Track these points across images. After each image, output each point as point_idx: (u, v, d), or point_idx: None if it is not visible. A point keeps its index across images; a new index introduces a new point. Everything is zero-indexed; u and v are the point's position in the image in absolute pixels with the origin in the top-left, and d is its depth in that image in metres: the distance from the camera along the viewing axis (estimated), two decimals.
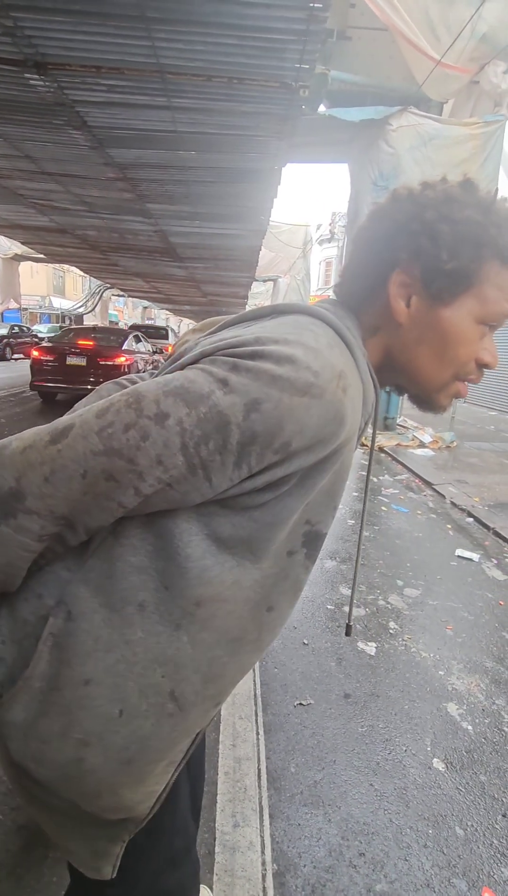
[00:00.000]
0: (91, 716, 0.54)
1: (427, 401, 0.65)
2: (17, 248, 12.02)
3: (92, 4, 2.80)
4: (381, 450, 5.94)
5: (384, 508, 3.97)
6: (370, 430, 0.77)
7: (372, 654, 2.06)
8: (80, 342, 7.44)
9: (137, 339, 8.93)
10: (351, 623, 0.82)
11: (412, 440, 6.40)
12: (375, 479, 4.76)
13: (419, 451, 5.96)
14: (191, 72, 3.45)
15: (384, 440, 6.26)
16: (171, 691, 0.56)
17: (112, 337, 8.16)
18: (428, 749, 1.58)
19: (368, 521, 3.63)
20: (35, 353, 7.39)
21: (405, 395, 0.69)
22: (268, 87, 3.62)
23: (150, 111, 4.03)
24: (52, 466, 0.48)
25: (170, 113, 4.04)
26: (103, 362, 7.09)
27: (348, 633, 0.82)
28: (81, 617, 0.54)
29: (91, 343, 7.45)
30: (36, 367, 7.26)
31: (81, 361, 7.08)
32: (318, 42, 3.16)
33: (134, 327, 13.38)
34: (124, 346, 7.81)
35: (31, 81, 3.61)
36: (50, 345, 7.72)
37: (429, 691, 1.85)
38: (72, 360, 7.09)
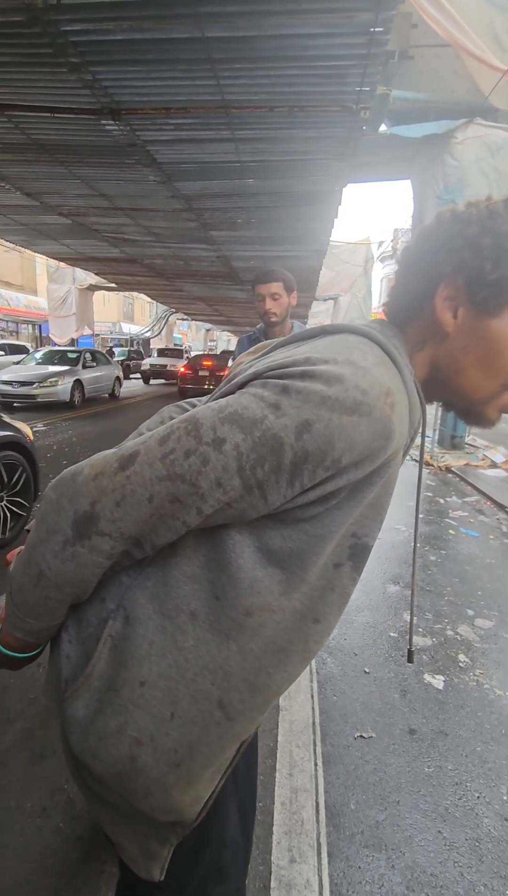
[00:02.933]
0: (145, 715, 0.57)
1: (475, 414, 0.65)
2: (91, 278, 12.90)
3: (162, 52, 3.00)
4: (448, 470, 5.67)
5: (451, 532, 3.76)
6: (419, 445, 0.78)
7: (440, 688, 1.93)
8: (203, 362, 13.17)
9: (232, 359, 11.52)
10: (412, 649, 0.79)
11: (483, 460, 6.05)
12: (441, 501, 4.54)
13: (490, 472, 5.63)
14: (254, 104, 3.59)
15: (451, 460, 5.97)
16: (219, 699, 0.58)
17: (219, 360, 13.67)
18: (505, 798, 1.44)
19: (434, 545, 3.46)
20: (181, 369, 13.27)
21: (453, 411, 0.68)
22: (329, 112, 3.68)
23: (214, 144, 4.23)
24: (123, 492, 0.53)
25: (233, 144, 4.21)
26: (217, 373, 12.22)
27: (410, 660, 0.80)
28: (137, 622, 0.58)
29: (210, 362, 13.09)
30: (182, 376, 12.85)
31: (206, 373, 12.56)
32: (379, 64, 3.19)
33: (224, 353, 18.49)
34: (228, 364, 10.93)
35: (107, 127, 3.91)
36: (187, 364, 13.55)
37: (504, 734, 1.70)
38: (201, 373, 12.64)
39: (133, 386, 16.12)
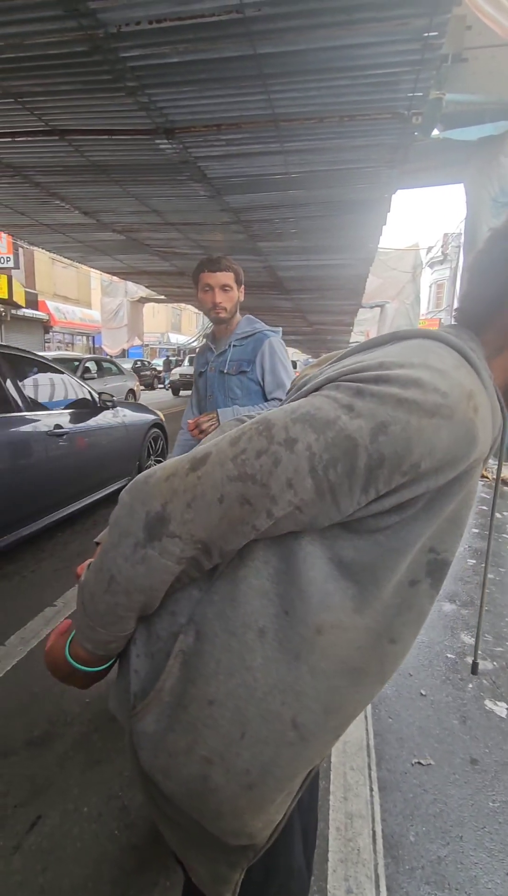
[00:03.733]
0: (215, 735, 0.56)
1: None
2: (142, 291, 13.34)
3: (215, 72, 3.08)
4: (505, 483, 5.41)
5: None
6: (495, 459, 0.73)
7: (503, 716, 1.82)
8: None
9: None
10: (477, 661, 0.75)
11: None
12: (498, 515, 4.33)
13: None
14: (303, 116, 3.61)
15: None
16: (292, 719, 0.56)
17: None
18: None
19: (492, 563, 3.29)
20: None
21: None
22: (380, 120, 3.64)
23: (263, 157, 4.27)
24: (194, 493, 0.52)
25: (282, 157, 4.24)
26: None
27: (474, 672, 0.79)
28: (206, 638, 0.57)
29: None
30: None
31: None
32: (433, 69, 3.13)
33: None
34: None
35: (161, 146, 4.04)
36: None
37: None
38: None
39: (159, 398, 15.33)
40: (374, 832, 1.34)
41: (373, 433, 0.47)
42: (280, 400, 1.89)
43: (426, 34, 2.77)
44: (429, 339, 0.55)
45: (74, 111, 3.58)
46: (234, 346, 2.17)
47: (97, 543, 0.78)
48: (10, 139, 4.01)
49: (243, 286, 2.20)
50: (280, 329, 2.30)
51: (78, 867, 1.25)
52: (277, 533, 0.54)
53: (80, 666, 0.63)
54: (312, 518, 0.52)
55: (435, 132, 5.04)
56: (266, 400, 2.05)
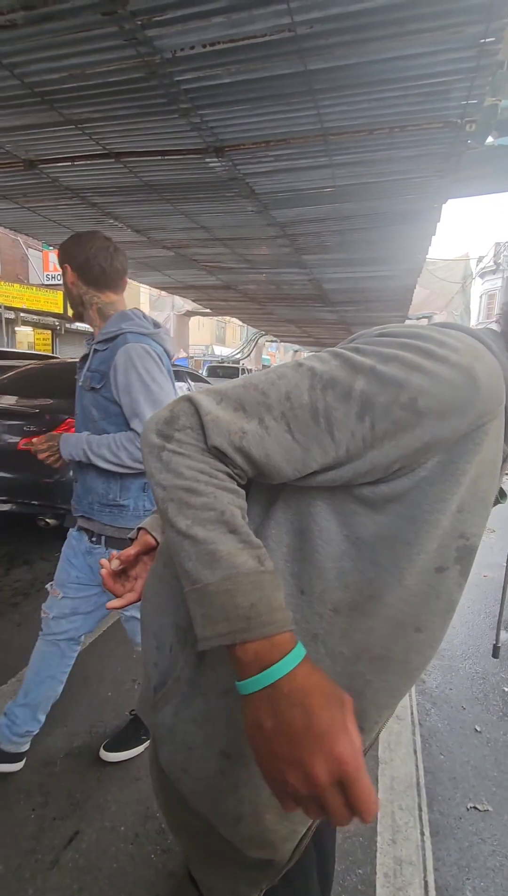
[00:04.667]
0: (232, 729, 0.54)
1: None
2: (188, 305, 13.69)
3: (265, 90, 3.12)
4: None
5: None
6: None
7: None
8: None
9: None
10: (499, 644, 0.72)
11: None
12: None
13: None
14: (353, 129, 3.60)
15: None
16: None
17: None
18: None
19: None
20: None
21: None
22: (430, 129, 3.58)
23: (311, 171, 4.29)
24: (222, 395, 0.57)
25: (330, 170, 4.24)
26: None
27: (495, 655, 0.75)
28: None
29: None
30: None
31: None
32: (488, 75, 3.05)
33: None
34: None
35: (211, 164, 4.13)
36: None
37: None
38: None
39: None
40: (426, 883, 1.24)
41: (373, 364, 0.50)
42: (138, 433, 1.52)
43: (482, 40, 2.70)
44: (446, 328, 0.57)
45: (130, 134, 3.73)
46: (96, 350, 1.74)
47: (140, 529, 0.78)
48: (69, 163, 4.22)
49: (76, 268, 1.81)
50: (162, 330, 1.79)
51: (113, 890, 1.22)
52: (269, 471, 0.52)
53: (277, 670, 0.45)
54: (304, 449, 0.51)
55: (490, 139, 4.89)
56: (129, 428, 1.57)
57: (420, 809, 1.50)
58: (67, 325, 17.59)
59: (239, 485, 0.53)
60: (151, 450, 0.53)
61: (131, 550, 0.76)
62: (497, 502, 0.64)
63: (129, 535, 0.82)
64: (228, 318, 23.17)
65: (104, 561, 0.76)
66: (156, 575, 0.66)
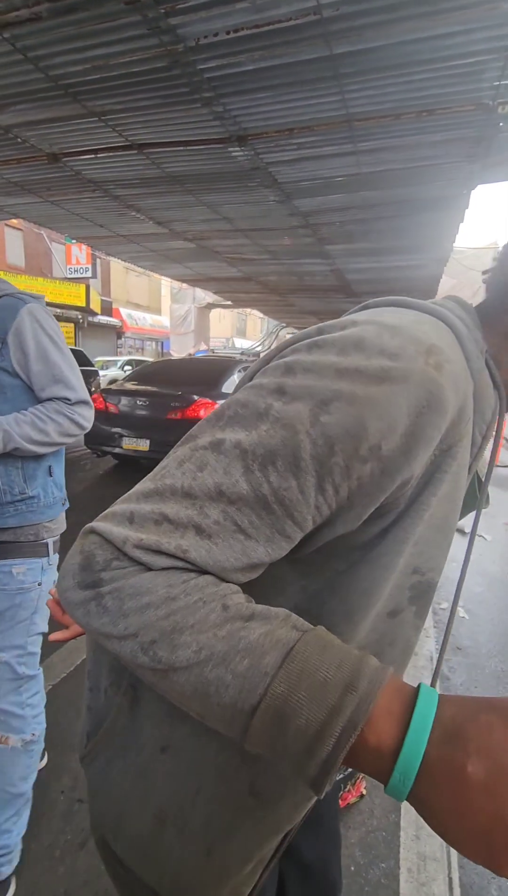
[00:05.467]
0: (168, 788, 0.48)
1: None
2: (209, 297, 13.68)
3: (289, 76, 3.06)
4: None
5: None
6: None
7: None
8: None
9: None
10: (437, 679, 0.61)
11: None
12: None
13: None
14: (379, 115, 3.51)
15: None
16: (250, 784, 0.47)
17: None
18: None
19: None
20: None
21: None
22: (461, 112, 3.46)
23: (335, 159, 4.21)
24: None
25: (355, 157, 4.15)
26: None
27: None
28: None
29: None
30: None
31: None
32: None
33: None
34: None
35: (233, 153, 4.09)
36: None
37: None
38: None
39: None
40: (451, 879, 1.23)
41: (313, 414, 0.37)
42: (67, 400, 1.32)
43: None
44: (394, 306, 0.47)
45: (152, 125, 3.72)
46: None
47: None
48: (92, 155, 4.23)
49: None
50: (43, 296, 1.56)
51: None
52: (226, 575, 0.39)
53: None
54: (267, 542, 0.39)
55: None
56: (40, 400, 1.34)
57: None
58: (90, 319, 17.85)
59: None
60: (85, 606, 0.38)
61: None
62: (471, 504, 0.55)
63: None
64: (248, 310, 23.12)
65: (54, 590, 0.67)
66: None
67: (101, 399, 5.96)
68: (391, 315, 0.42)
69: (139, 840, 0.49)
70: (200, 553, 0.38)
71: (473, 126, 3.66)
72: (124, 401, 5.75)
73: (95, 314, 17.47)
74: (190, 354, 14.85)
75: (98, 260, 17.08)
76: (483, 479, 0.53)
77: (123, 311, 20.15)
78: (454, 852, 1.30)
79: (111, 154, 4.20)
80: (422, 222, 5.78)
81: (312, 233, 6.34)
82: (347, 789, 1.35)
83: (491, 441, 0.48)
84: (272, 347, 0.50)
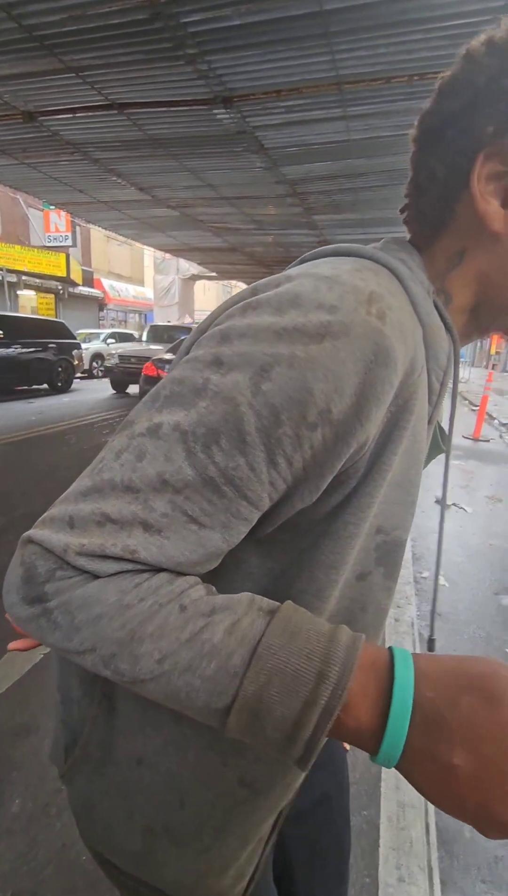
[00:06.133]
0: (150, 803, 0.46)
1: None
2: (194, 268, 13.37)
3: (278, 33, 2.94)
4: None
5: None
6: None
7: None
8: None
9: None
10: (434, 637, 0.60)
11: None
12: None
13: None
14: (369, 77, 3.40)
15: None
16: (239, 778, 0.45)
17: None
18: None
19: None
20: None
21: None
22: None
23: (324, 124, 4.09)
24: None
25: (344, 122, 4.04)
26: None
27: (430, 649, 0.59)
28: None
29: None
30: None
31: None
32: None
33: None
34: None
35: (218, 116, 3.94)
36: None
37: None
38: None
39: None
40: (427, 824, 1.31)
41: (254, 383, 0.34)
42: None
43: None
44: (334, 256, 0.43)
45: (133, 83, 3.55)
46: None
47: None
48: (70, 115, 4.04)
49: None
50: None
51: None
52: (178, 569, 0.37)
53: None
54: (222, 528, 0.36)
55: None
56: None
57: None
58: (71, 290, 17.34)
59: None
60: (35, 622, 0.36)
61: None
62: (438, 451, 0.53)
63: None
64: (234, 282, 22.69)
65: None
66: None
67: (152, 367, 6.88)
68: (328, 265, 0.39)
69: (134, 855, 0.48)
70: (150, 551, 0.35)
71: None
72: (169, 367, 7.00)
73: (75, 285, 16.97)
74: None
75: (78, 228, 16.48)
76: (447, 431, 0.51)
77: (105, 282, 19.61)
78: None
79: (90, 114, 4.02)
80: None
81: (299, 202, 6.20)
82: None
83: (450, 387, 0.45)
84: (207, 315, 0.45)
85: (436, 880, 1.18)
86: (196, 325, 0.45)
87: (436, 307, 0.43)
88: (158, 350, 8.69)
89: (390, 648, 0.35)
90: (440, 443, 0.51)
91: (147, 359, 8.33)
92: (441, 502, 0.52)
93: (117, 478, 0.35)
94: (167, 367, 6.75)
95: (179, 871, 0.48)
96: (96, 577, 0.35)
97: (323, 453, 0.36)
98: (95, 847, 0.51)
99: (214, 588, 0.38)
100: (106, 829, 0.48)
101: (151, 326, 10.87)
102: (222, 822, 0.46)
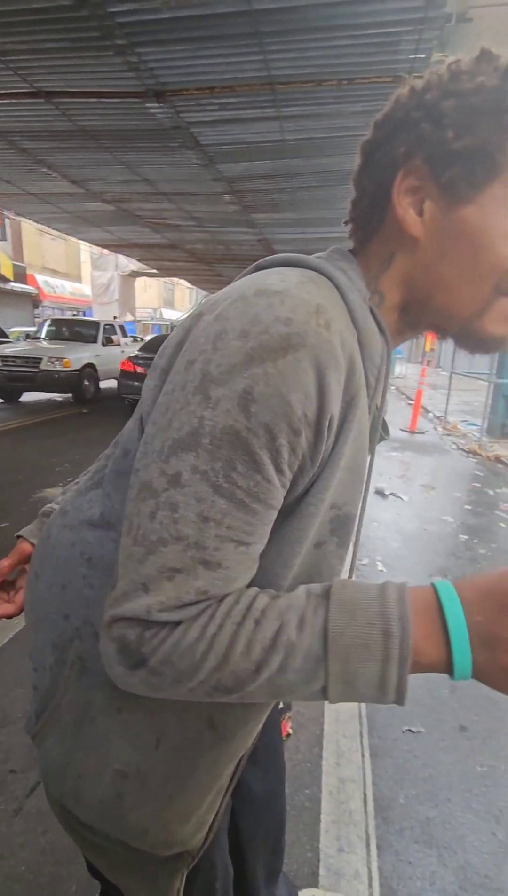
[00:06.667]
0: (127, 745, 0.50)
1: (474, 334, 0.50)
2: (133, 265, 13.07)
3: (209, 29, 2.94)
4: (498, 460, 5.45)
5: (501, 524, 3.63)
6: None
7: None
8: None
9: None
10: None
11: None
12: (490, 492, 4.38)
13: None
14: (301, 79, 3.47)
15: (502, 449, 5.74)
16: (209, 718, 0.51)
17: None
18: None
19: (483, 538, 3.34)
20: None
21: (450, 339, 0.55)
22: (379, 83, 3.51)
23: (258, 123, 4.13)
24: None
25: (278, 123, 4.10)
26: None
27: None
28: None
29: None
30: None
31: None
32: (436, 28, 3.02)
33: None
34: None
35: (151, 110, 3.88)
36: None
37: None
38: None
39: None
40: (365, 795, 1.38)
41: (243, 409, 0.39)
42: None
43: None
44: (283, 265, 0.49)
45: (60, 71, 3.42)
46: None
47: (18, 537, 0.71)
48: None
49: None
50: None
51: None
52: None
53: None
54: (261, 536, 0.42)
55: None
56: None
57: (362, 736, 1.65)
58: (2, 286, 16.42)
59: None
60: (145, 683, 0.42)
61: (6, 561, 0.69)
62: (381, 439, 0.60)
63: (17, 534, 0.72)
64: (175, 279, 22.39)
65: None
66: (29, 586, 0.60)
67: (129, 363, 7.46)
68: (277, 277, 0.44)
69: (101, 804, 0.51)
70: (218, 586, 0.41)
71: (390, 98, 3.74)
72: (147, 362, 7.28)
73: (7, 280, 16.10)
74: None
75: (7, 220, 15.63)
76: (382, 418, 0.58)
77: (39, 278, 18.74)
78: (369, 773, 1.46)
79: (15, 101, 3.83)
80: (343, 195, 5.86)
81: (237, 199, 6.22)
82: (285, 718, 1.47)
83: (384, 381, 0.52)
84: (170, 340, 0.50)
85: (373, 847, 1.24)
86: (169, 336, 0.51)
87: (372, 312, 0.49)
88: (55, 349, 8.05)
89: (433, 585, 0.41)
90: (382, 431, 0.59)
91: (37, 360, 7.63)
92: (366, 481, 0.58)
93: (165, 534, 0.40)
94: (141, 361, 7.39)
95: (144, 816, 0.51)
96: (179, 623, 0.41)
97: (309, 451, 0.42)
98: (61, 801, 0.54)
99: (271, 591, 0.44)
100: (76, 780, 0.52)
101: (52, 320, 9.77)
102: (190, 764, 0.51)
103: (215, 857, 0.64)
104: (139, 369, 7.37)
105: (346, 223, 0.56)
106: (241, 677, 0.40)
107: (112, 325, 9.66)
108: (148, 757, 0.50)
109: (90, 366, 8.42)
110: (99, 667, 0.48)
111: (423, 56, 3.22)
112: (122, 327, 9.99)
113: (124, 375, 7.53)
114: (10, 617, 0.70)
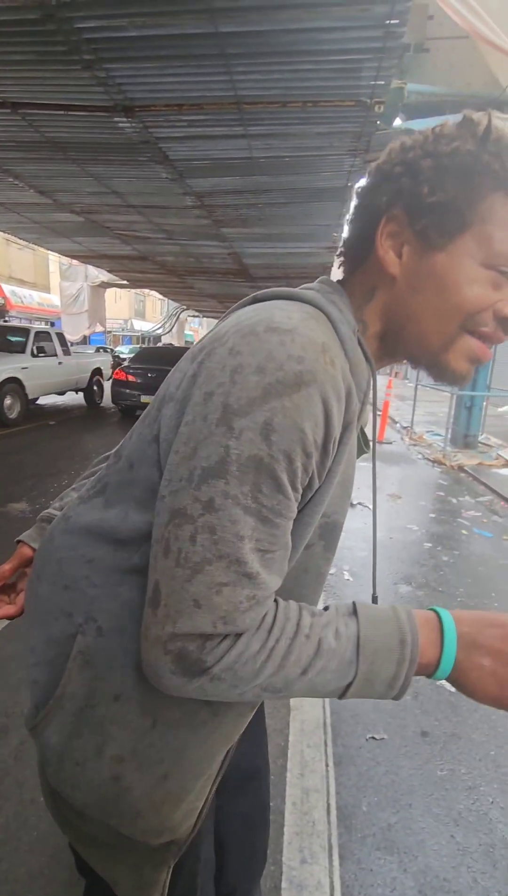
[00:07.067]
0: (124, 730, 0.54)
1: (440, 366, 0.57)
2: (103, 276, 12.97)
3: (176, 49, 2.99)
4: (461, 469, 5.62)
5: (464, 532, 3.73)
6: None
7: (452, 690, 1.92)
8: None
9: None
10: (377, 595, 0.75)
11: (497, 459, 5.99)
12: (454, 500, 4.50)
13: (504, 471, 5.56)
14: (267, 100, 3.56)
15: (464, 459, 5.91)
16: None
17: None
18: None
19: (446, 546, 3.43)
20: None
21: (420, 367, 0.62)
22: (342, 107, 3.64)
23: (227, 141, 4.21)
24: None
25: (246, 141, 4.18)
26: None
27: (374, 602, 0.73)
28: (111, 632, 0.54)
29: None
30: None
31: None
32: (395, 58, 3.14)
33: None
34: None
35: (120, 124, 3.91)
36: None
37: None
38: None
39: None
40: (329, 805, 1.39)
41: (265, 438, 0.45)
42: None
43: (387, 21, 2.78)
44: (281, 300, 0.54)
45: (27, 83, 3.41)
46: None
47: (18, 542, 0.74)
48: None
49: None
50: None
51: (34, 856, 1.24)
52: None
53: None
54: (284, 548, 0.49)
55: (398, 122, 5.08)
56: None
57: (326, 745, 1.66)
58: None
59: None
60: (200, 688, 0.48)
61: (7, 565, 0.73)
62: (361, 452, 0.67)
63: (17, 539, 0.77)
64: (146, 291, 22.34)
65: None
66: (30, 587, 0.64)
67: (122, 372, 8.47)
68: (283, 316, 0.49)
69: (98, 788, 0.55)
70: (261, 588, 0.47)
71: (353, 122, 3.87)
72: (137, 372, 8.38)
73: None
74: (85, 337, 14.05)
75: None
76: (371, 437, 0.69)
77: (6, 288, 18.36)
78: (332, 782, 1.47)
79: None
80: (311, 211, 6.02)
81: (207, 214, 6.28)
82: None
83: (369, 405, 0.62)
84: (182, 371, 0.55)
85: (335, 857, 1.25)
86: (177, 366, 0.57)
87: (360, 342, 0.56)
88: None
89: (433, 609, 0.53)
90: (362, 445, 0.68)
91: None
92: (373, 489, 0.70)
93: (208, 555, 0.45)
94: (132, 371, 8.32)
95: (138, 798, 0.55)
96: (239, 634, 0.47)
97: (318, 469, 0.49)
98: (59, 788, 0.57)
99: (309, 607, 0.53)
100: (74, 767, 0.55)
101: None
102: (184, 743, 0.55)
103: (201, 851, 0.67)
104: (131, 378, 8.24)
105: (338, 255, 0.64)
106: (290, 679, 0.48)
107: (47, 333, 8.72)
108: (144, 737, 0.54)
109: (13, 380, 7.29)
110: (100, 659, 0.54)
111: (383, 83, 3.36)
112: (60, 335, 9.09)
113: (117, 384, 8.53)
114: (11, 618, 0.73)
